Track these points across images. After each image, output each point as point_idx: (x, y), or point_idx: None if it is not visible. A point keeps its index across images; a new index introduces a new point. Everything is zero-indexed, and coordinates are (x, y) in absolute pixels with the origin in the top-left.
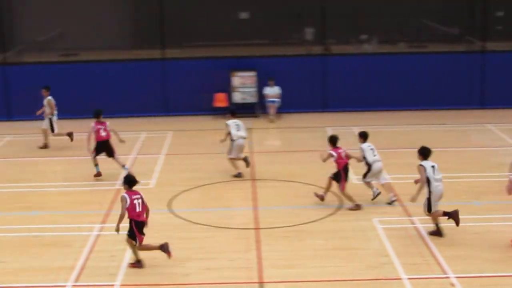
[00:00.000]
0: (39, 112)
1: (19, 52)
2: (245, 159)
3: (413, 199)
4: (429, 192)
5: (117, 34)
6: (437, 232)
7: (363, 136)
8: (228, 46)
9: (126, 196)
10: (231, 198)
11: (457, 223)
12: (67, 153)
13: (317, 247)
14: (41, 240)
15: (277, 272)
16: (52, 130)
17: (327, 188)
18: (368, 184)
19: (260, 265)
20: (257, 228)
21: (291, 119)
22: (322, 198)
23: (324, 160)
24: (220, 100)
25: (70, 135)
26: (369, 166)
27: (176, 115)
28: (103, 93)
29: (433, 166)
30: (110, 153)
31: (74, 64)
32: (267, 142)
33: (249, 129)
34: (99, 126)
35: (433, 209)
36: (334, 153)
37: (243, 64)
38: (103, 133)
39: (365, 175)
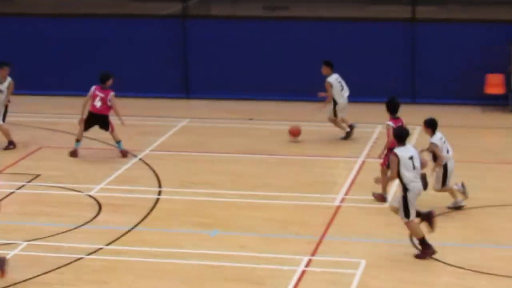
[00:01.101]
0: None
1: (201, 2)
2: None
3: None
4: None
5: None
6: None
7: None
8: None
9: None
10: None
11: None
12: (274, 149)
13: None
14: (221, 273)
15: None
16: None
17: None
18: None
19: None
20: None
21: None
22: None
23: None
24: (494, 84)
25: None
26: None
27: (423, 103)
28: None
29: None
30: (105, 127)
31: (280, 21)
32: None
33: None
34: (97, 93)
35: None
36: None
37: None
38: (97, 103)
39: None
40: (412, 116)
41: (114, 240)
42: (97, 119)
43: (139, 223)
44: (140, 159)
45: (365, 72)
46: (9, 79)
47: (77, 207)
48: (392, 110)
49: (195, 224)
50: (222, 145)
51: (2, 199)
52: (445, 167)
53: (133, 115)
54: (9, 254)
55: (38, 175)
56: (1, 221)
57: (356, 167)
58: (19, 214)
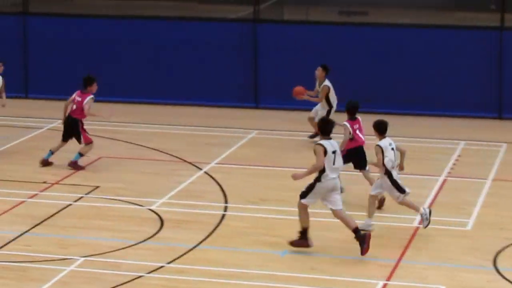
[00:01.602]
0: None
1: (274, 6)
2: None
3: None
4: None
5: None
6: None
7: None
8: None
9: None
10: None
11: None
12: None
13: None
14: None
15: None
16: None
17: None
18: None
19: None
20: None
21: None
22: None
23: None
24: None
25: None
26: None
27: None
28: (394, 73)
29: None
30: (76, 134)
31: (358, 27)
32: None
33: None
34: (76, 97)
35: None
36: None
37: None
38: (73, 107)
39: None
40: (499, 132)
41: (176, 258)
42: (69, 123)
43: (203, 240)
44: (206, 172)
45: (444, 83)
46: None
47: (138, 222)
48: (351, 111)
49: (264, 243)
50: (294, 159)
51: (59, 211)
52: (389, 175)
53: (198, 125)
54: (65, 270)
55: (97, 187)
56: (58, 235)
57: (437, 186)
58: (76, 228)
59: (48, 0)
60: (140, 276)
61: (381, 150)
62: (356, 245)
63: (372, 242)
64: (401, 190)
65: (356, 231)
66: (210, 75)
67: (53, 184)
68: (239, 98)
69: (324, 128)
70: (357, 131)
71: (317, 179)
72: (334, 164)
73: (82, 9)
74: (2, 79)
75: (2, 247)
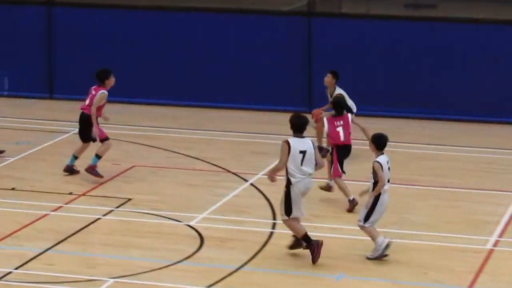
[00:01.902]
0: None
1: None
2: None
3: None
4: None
5: None
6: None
7: None
8: None
9: None
10: None
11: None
12: None
13: None
14: None
15: None
16: None
17: None
18: None
19: None
20: None
21: None
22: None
23: None
24: None
25: None
26: None
27: None
28: (469, 74)
29: None
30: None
31: (426, 22)
32: None
33: None
34: (91, 91)
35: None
36: None
37: None
38: (86, 102)
39: None
40: None
41: (218, 281)
42: (82, 120)
43: (248, 261)
44: (251, 184)
45: None
46: None
47: (175, 239)
48: (334, 107)
49: (316, 265)
50: (348, 170)
51: (86, 226)
52: (376, 199)
53: (244, 131)
54: None
55: (129, 199)
56: (84, 253)
57: None
58: (105, 245)
59: None
60: None
61: (381, 168)
62: (423, 269)
63: (438, 265)
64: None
65: (305, 238)
66: (257, 75)
67: (79, 195)
68: (290, 101)
69: (297, 123)
70: (339, 128)
71: (288, 185)
72: (301, 164)
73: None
74: None
75: (22, 265)
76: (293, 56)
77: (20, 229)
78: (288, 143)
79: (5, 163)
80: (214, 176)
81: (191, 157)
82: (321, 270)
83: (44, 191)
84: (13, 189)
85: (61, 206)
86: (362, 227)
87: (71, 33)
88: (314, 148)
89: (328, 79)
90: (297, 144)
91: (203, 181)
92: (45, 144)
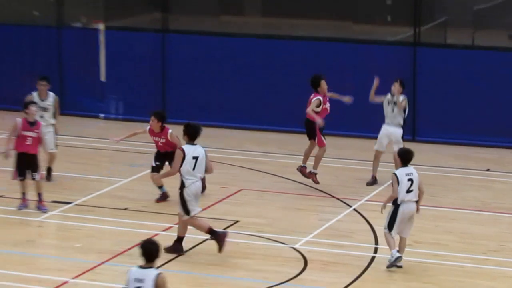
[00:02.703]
0: None
1: (441, 26)
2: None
3: None
4: None
5: None
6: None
7: None
8: None
9: None
10: None
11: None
12: None
13: None
14: None
15: None
16: None
17: None
18: None
19: None
20: None
21: None
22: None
23: None
24: None
25: None
26: None
27: None
28: None
29: None
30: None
31: None
32: None
33: None
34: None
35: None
36: None
37: None
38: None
39: None
40: None
41: None
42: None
43: (349, 284)
44: (355, 209)
45: None
46: (52, 95)
47: (279, 261)
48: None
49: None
50: (452, 198)
51: (193, 247)
52: (396, 209)
53: (349, 158)
54: None
55: (236, 222)
56: (191, 272)
57: None
58: (211, 265)
59: (189, 15)
60: None
61: (397, 180)
62: None
63: None
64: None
65: (210, 232)
66: (364, 102)
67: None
68: None
69: (191, 132)
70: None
71: (182, 187)
72: (193, 169)
73: (228, 27)
74: (55, 96)
75: None
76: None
77: (132, 247)
78: (183, 150)
79: (119, 184)
80: (319, 201)
81: (297, 182)
82: None
83: (155, 211)
84: (126, 209)
85: (170, 227)
86: (384, 234)
87: (182, 59)
88: (205, 154)
89: (396, 88)
90: (190, 150)
91: (308, 205)
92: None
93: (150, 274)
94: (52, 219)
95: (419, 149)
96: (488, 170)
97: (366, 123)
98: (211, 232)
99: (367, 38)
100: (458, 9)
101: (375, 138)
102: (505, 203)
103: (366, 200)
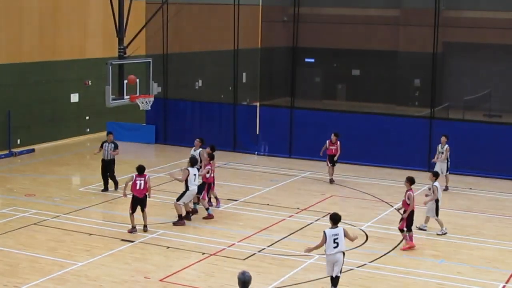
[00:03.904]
0: None
1: (445, 108)
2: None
3: None
4: None
5: None
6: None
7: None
8: None
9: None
10: None
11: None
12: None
13: None
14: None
15: None
16: None
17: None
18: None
19: None
20: None
21: None
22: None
23: None
24: None
25: None
26: None
27: None
28: None
29: None
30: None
31: (496, 125)
32: None
33: None
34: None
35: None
36: None
37: None
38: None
39: None
40: None
41: (375, 259)
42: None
43: (391, 250)
44: (395, 208)
45: None
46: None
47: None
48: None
49: (430, 255)
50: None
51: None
52: (437, 202)
53: (396, 180)
54: (306, 262)
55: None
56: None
57: None
58: (312, 237)
59: (306, 99)
60: (351, 269)
61: (437, 189)
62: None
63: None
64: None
65: (186, 216)
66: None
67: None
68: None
69: (192, 161)
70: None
71: (186, 189)
72: (194, 181)
73: (327, 106)
74: (198, 154)
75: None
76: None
77: (271, 226)
78: (188, 171)
79: (261, 192)
80: (372, 204)
81: (362, 192)
82: (431, 257)
83: (280, 205)
84: (268, 204)
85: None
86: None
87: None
88: (198, 172)
89: (443, 139)
90: (192, 170)
91: (368, 206)
92: (287, 181)
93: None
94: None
95: None
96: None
97: None
98: (180, 217)
99: (404, 114)
100: (455, 99)
101: None
102: None
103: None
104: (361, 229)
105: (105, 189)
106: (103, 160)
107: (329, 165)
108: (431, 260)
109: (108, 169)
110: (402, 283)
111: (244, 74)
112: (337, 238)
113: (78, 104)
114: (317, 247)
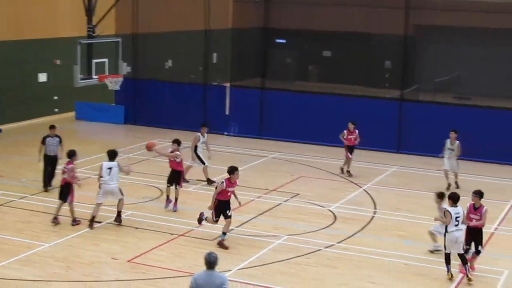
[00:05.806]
0: None
1: (416, 90)
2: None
3: None
4: None
5: None
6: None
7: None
8: None
9: None
10: None
11: None
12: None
13: None
14: (410, 269)
15: None
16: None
17: None
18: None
19: None
20: None
21: None
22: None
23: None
24: None
25: None
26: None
27: None
28: (492, 141)
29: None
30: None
31: (465, 108)
32: None
33: None
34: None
35: None
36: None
37: None
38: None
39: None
40: None
41: (343, 240)
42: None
43: (359, 231)
44: (364, 190)
45: None
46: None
47: (321, 217)
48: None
49: (397, 235)
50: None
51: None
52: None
53: (366, 161)
54: (275, 243)
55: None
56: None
57: None
58: (281, 218)
59: (278, 80)
60: (319, 249)
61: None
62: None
63: None
64: None
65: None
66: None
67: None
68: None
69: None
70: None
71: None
72: (109, 175)
73: (299, 87)
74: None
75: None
76: (391, 123)
77: (240, 206)
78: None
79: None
80: (341, 185)
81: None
82: (398, 238)
83: (249, 186)
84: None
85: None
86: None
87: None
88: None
89: (453, 135)
90: (106, 164)
91: (338, 187)
92: (257, 162)
93: None
94: None
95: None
96: (439, 170)
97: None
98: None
99: (374, 95)
100: (426, 81)
101: None
102: None
103: (371, 184)
104: (329, 210)
105: (46, 188)
106: (45, 156)
107: (350, 156)
108: (398, 240)
109: (51, 166)
110: (369, 264)
111: (215, 55)
112: (458, 217)
113: (46, 84)
114: (444, 222)
